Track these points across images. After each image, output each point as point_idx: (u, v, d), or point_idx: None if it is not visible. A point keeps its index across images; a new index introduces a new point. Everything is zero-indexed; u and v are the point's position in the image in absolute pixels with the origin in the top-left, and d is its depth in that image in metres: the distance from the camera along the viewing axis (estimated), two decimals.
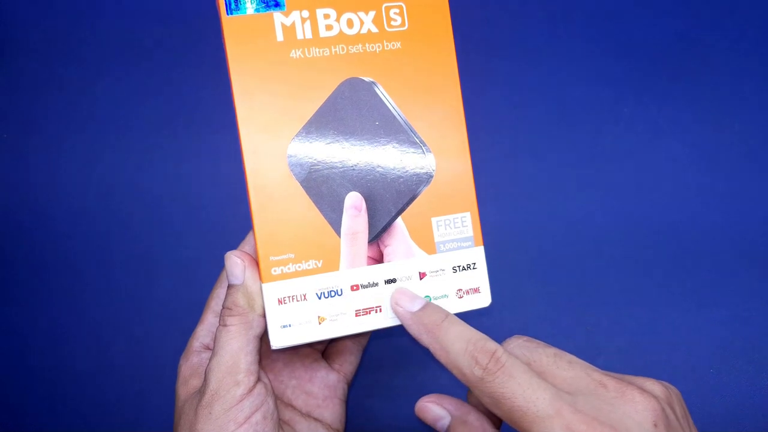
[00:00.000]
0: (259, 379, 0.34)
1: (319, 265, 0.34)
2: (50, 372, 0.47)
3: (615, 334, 0.47)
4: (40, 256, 0.48)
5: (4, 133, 0.50)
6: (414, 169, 0.35)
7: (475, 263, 0.36)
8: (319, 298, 0.34)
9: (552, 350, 0.33)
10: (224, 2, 0.33)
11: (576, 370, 0.31)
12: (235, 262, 0.35)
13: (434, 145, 0.35)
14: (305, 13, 0.34)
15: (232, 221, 0.48)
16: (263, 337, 0.35)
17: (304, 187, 0.34)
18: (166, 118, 0.50)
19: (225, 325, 0.34)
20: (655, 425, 0.29)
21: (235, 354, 0.33)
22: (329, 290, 0.34)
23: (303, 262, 0.34)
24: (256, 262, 0.35)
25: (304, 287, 0.34)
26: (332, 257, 0.34)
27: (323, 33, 0.34)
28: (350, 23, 0.35)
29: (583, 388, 0.31)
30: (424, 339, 0.33)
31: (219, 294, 0.38)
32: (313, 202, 0.34)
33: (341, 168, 0.35)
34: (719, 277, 0.48)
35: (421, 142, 0.35)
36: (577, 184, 0.49)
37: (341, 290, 0.34)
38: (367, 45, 0.35)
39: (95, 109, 0.50)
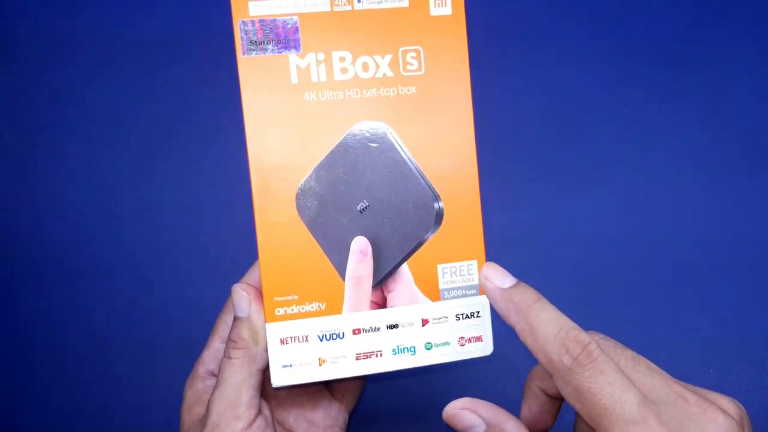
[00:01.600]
0: (260, 412, 0.35)
1: (323, 308, 0.35)
2: (50, 372, 0.48)
3: (615, 334, 0.47)
4: (40, 256, 0.49)
5: (4, 133, 0.50)
6: (422, 216, 0.35)
7: (479, 311, 0.36)
8: (321, 340, 0.35)
9: (630, 352, 0.32)
10: (241, 42, 0.33)
11: (656, 377, 0.31)
12: (242, 296, 0.35)
13: (445, 192, 0.35)
14: (321, 56, 0.34)
15: (233, 224, 0.48)
16: (266, 368, 0.35)
17: (310, 229, 0.34)
18: (167, 118, 0.50)
19: (229, 358, 0.35)
20: None
21: (237, 387, 0.34)
22: (331, 333, 0.35)
23: (306, 303, 0.34)
24: (261, 296, 0.35)
25: (307, 329, 0.34)
26: (336, 300, 0.35)
27: (338, 76, 0.34)
28: (366, 67, 0.35)
29: (665, 398, 0.30)
30: (512, 318, 0.32)
31: (225, 320, 0.39)
32: (319, 244, 0.35)
33: (349, 212, 0.35)
34: (719, 277, 0.48)
35: (432, 188, 0.35)
36: (577, 185, 0.49)
37: (343, 333, 0.35)
38: (381, 89, 0.35)
39: (95, 109, 0.50)
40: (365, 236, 0.35)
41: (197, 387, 0.38)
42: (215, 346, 0.39)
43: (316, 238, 0.35)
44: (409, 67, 0.35)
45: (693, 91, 0.50)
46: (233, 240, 0.49)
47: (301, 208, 0.34)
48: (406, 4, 0.35)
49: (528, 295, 0.32)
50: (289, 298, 0.34)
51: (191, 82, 0.50)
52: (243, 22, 0.33)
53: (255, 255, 0.48)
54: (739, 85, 0.50)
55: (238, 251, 0.49)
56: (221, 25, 0.54)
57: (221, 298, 0.48)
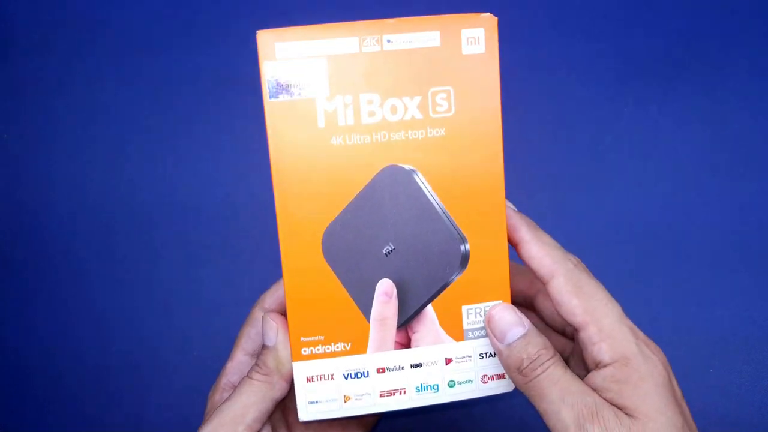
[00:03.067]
0: None
1: (348, 348, 0.35)
2: (50, 372, 0.49)
3: None
4: (40, 255, 0.50)
5: (4, 133, 0.50)
6: (448, 258, 0.35)
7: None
8: (346, 378, 0.35)
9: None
10: (267, 86, 0.33)
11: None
12: (271, 326, 0.36)
13: (472, 234, 0.35)
14: (348, 99, 0.33)
15: (234, 221, 0.49)
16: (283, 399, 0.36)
17: (336, 272, 0.35)
18: (167, 117, 0.50)
19: (250, 378, 0.36)
20: None
21: (246, 407, 0.35)
22: (356, 372, 0.35)
23: (332, 344, 0.35)
24: (287, 326, 0.36)
25: (332, 368, 0.35)
26: (361, 340, 0.35)
27: (365, 119, 0.34)
28: (394, 109, 0.34)
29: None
30: (524, 230, 0.35)
31: (248, 333, 0.39)
32: (345, 286, 0.35)
33: (374, 255, 0.35)
34: (719, 277, 0.48)
35: (458, 230, 0.35)
36: (577, 184, 0.49)
37: (367, 372, 0.35)
38: (410, 132, 0.34)
39: (96, 109, 0.50)
40: (391, 278, 0.35)
41: (215, 398, 0.39)
42: (238, 358, 0.39)
43: (341, 280, 0.35)
44: (438, 108, 0.34)
45: (693, 91, 0.50)
46: (234, 239, 0.49)
47: (327, 252, 0.34)
48: (437, 43, 0.34)
49: (533, 221, 0.36)
50: (315, 338, 0.35)
51: (192, 82, 0.50)
52: (270, 64, 0.33)
53: (256, 256, 0.49)
54: (739, 85, 0.50)
55: (240, 252, 0.50)
56: (224, 23, 0.52)
57: (222, 298, 0.49)
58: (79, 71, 0.50)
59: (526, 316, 0.37)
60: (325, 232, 0.34)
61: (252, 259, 0.49)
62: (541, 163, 0.48)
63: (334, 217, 0.34)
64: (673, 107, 0.49)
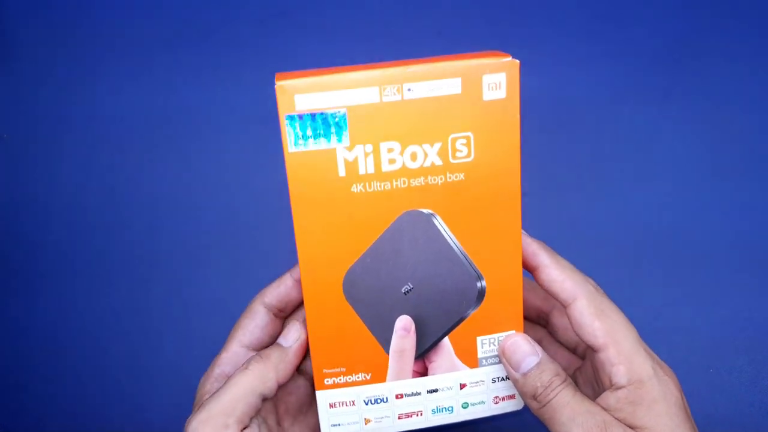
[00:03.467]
0: (247, 426, 0.35)
1: (368, 378, 0.37)
2: (50, 372, 0.49)
3: None
4: (40, 255, 0.50)
5: (4, 133, 0.50)
6: (465, 295, 0.36)
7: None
8: (366, 404, 0.38)
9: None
10: (288, 137, 0.33)
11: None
12: (296, 328, 0.37)
13: (488, 270, 0.36)
14: (369, 147, 0.33)
15: (233, 222, 0.49)
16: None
17: (356, 310, 0.36)
18: (166, 117, 0.50)
19: (246, 368, 0.36)
20: None
21: (236, 400, 0.35)
22: (376, 398, 0.37)
23: (353, 374, 0.37)
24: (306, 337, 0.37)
25: (353, 395, 0.37)
26: (380, 370, 0.37)
27: (385, 167, 0.34)
28: (414, 156, 0.34)
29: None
30: (543, 255, 0.37)
31: (245, 325, 0.39)
32: (365, 323, 0.36)
33: (394, 294, 0.36)
34: (719, 277, 0.49)
35: (474, 268, 0.36)
36: (577, 184, 0.50)
37: (387, 398, 0.38)
38: (429, 177, 0.34)
39: (95, 109, 0.50)
40: (409, 314, 0.36)
41: (206, 388, 0.38)
42: (233, 349, 0.39)
43: (362, 318, 0.36)
44: (458, 154, 0.34)
45: (693, 91, 0.49)
46: (233, 239, 0.50)
47: (348, 293, 0.36)
48: (458, 90, 0.33)
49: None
50: (337, 370, 0.37)
51: (192, 82, 0.49)
52: (290, 116, 0.32)
53: (256, 256, 0.49)
54: (739, 85, 0.49)
55: (240, 252, 0.50)
56: (223, 23, 0.51)
57: (222, 298, 0.50)
58: (79, 71, 0.49)
59: (536, 331, 0.38)
60: (345, 275, 0.35)
61: (252, 259, 0.50)
62: (541, 163, 0.49)
63: (354, 260, 0.35)
64: (673, 107, 0.48)
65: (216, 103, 0.49)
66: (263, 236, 0.49)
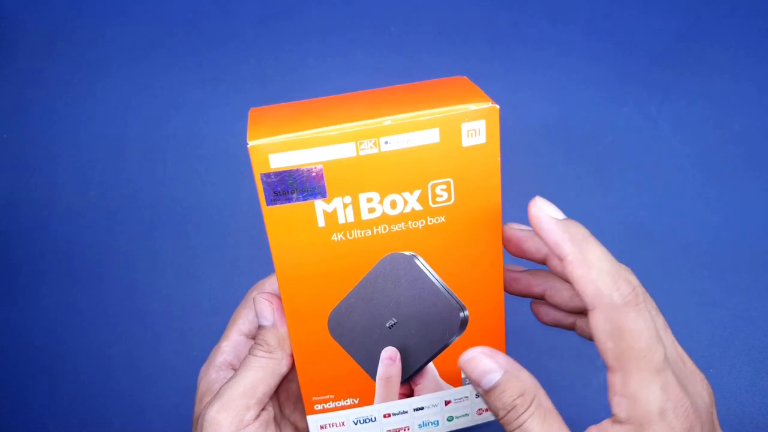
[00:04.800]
0: (264, 409, 0.37)
1: (356, 402, 0.39)
2: (50, 372, 0.50)
3: None
4: (40, 255, 0.50)
5: (4, 133, 0.49)
6: (448, 325, 0.37)
7: None
8: (355, 424, 0.39)
9: (655, 307, 0.32)
10: (264, 194, 0.32)
11: (669, 336, 0.32)
12: (265, 305, 0.37)
13: (471, 301, 0.37)
14: (347, 199, 0.33)
15: (234, 221, 0.50)
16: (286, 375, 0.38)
17: (343, 345, 0.37)
18: (166, 117, 0.49)
19: (255, 355, 0.37)
20: None
21: (256, 382, 0.36)
22: (364, 418, 0.39)
23: (342, 400, 0.39)
24: (282, 305, 0.37)
25: (343, 417, 0.39)
26: (368, 395, 0.39)
27: (365, 216, 0.34)
28: (393, 204, 0.34)
29: (672, 356, 0.31)
30: (566, 247, 0.31)
31: (245, 314, 0.41)
32: (351, 356, 0.37)
33: (378, 329, 0.37)
34: (719, 277, 0.49)
35: (456, 300, 0.36)
36: (577, 184, 0.50)
37: (375, 418, 0.39)
38: (410, 222, 0.34)
39: (95, 109, 0.49)
40: (394, 345, 0.37)
41: (211, 377, 0.39)
42: (234, 337, 0.40)
43: (348, 352, 0.37)
44: (438, 198, 0.34)
45: (693, 91, 0.49)
46: (231, 239, 0.50)
47: (333, 330, 0.36)
48: (436, 139, 0.32)
49: (582, 228, 0.31)
50: (326, 397, 0.38)
51: (191, 82, 0.48)
52: (265, 174, 0.32)
53: (256, 256, 0.50)
54: (739, 85, 0.49)
55: (240, 252, 0.51)
56: (223, 23, 0.49)
57: (222, 298, 0.51)
58: (79, 72, 0.48)
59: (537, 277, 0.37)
60: (330, 314, 0.36)
61: (252, 260, 0.50)
62: (541, 163, 0.48)
63: (337, 302, 0.36)
64: (673, 107, 0.47)
65: (216, 103, 0.48)
66: (264, 236, 0.49)
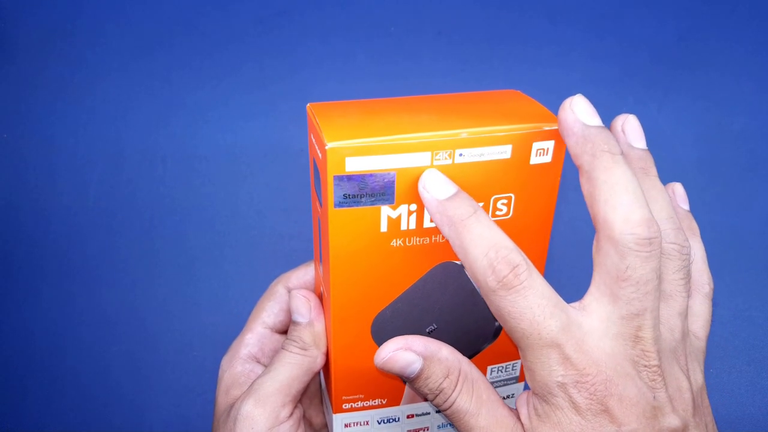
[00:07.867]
0: (296, 407, 0.38)
1: (384, 402, 0.39)
2: (50, 372, 0.49)
3: None
4: (40, 255, 0.49)
5: (4, 133, 0.47)
6: (484, 333, 0.38)
7: (513, 394, 0.41)
8: (379, 423, 0.40)
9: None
10: (334, 196, 0.32)
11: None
12: (303, 302, 0.37)
13: None
14: (413, 207, 0.33)
15: (234, 221, 0.49)
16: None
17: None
18: (166, 117, 0.48)
19: (290, 351, 0.37)
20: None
21: (292, 379, 0.36)
22: (389, 418, 0.40)
23: (370, 400, 0.39)
24: (320, 301, 0.37)
25: (368, 416, 0.39)
26: (395, 396, 0.39)
27: (427, 224, 0.34)
28: None
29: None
30: (446, 231, 0.30)
31: (268, 307, 0.41)
32: None
33: (418, 333, 0.37)
34: (719, 277, 0.49)
35: None
36: (576, 184, 0.51)
37: (399, 418, 0.40)
38: None
39: (95, 109, 0.48)
40: None
41: (236, 369, 0.39)
42: (258, 330, 0.40)
43: None
44: (497, 212, 0.34)
45: (693, 91, 0.50)
46: (232, 239, 0.50)
47: (375, 335, 0.36)
48: (508, 155, 0.33)
49: (464, 208, 0.30)
50: (356, 396, 0.38)
51: (191, 82, 0.47)
52: (338, 177, 0.31)
53: (256, 256, 0.50)
54: (739, 84, 0.50)
55: (240, 252, 0.50)
56: (223, 23, 0.47)
57: (222, 298, 0.50)
58: (79, 72, 0.46)
59: None
60: (375, 318, 0.36)
61: (252, 260, 0.49)
62: None
63: (383, 305, 0.36)
64: (673, 107, 0.49)
65: (216, 102, 0.46)
66: (263, 237, 0.48)
